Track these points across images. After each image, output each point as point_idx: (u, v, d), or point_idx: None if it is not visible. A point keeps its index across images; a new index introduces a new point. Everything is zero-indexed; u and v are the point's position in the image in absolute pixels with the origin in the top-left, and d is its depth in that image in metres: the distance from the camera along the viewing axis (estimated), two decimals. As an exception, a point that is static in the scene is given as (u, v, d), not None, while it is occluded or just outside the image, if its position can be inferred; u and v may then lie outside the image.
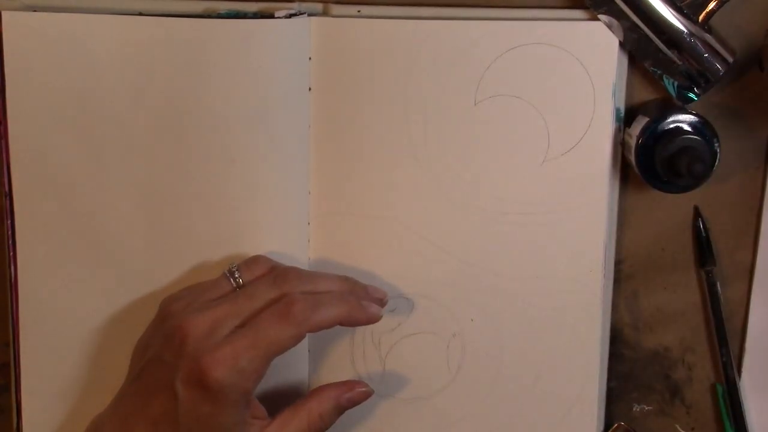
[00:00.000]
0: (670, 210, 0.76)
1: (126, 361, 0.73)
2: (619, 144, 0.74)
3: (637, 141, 0.71)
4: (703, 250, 0.76)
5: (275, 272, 0.71)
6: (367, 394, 0.73)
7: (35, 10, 0.73)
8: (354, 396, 0.72)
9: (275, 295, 0.69)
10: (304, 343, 0.77)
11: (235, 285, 0.71)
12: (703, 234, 0.76)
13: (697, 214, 0.76)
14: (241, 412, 0.67)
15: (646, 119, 0.71)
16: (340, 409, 0.72)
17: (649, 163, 0.71)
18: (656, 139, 0.71)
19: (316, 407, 0.71)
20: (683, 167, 0.69)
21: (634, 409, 0.79)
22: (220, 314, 0.68)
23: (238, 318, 0.68)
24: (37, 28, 0.73)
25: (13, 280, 0.76)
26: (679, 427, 0.79)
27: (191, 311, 0.68)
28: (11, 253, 0.75)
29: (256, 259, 0.73)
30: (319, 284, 0.72)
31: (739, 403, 0.77)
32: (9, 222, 0.75)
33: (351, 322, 0.71)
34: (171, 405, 0.67)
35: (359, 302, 0.72)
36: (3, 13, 0.73)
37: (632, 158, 0.72)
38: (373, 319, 0.72)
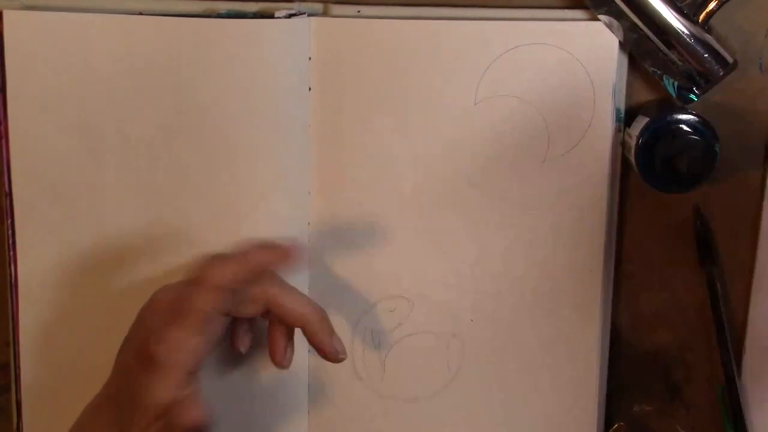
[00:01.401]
0: (670, 210, 0.76)
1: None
2: (619, 144, 0.74)
3: (637, 141, 0.71)
4: (703, 250, 0.76)
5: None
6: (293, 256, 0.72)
7: (35, 10, 0.73)
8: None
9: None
10: (305, 344, 0.77)
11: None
12: (703, 234, 0.76)
13: (697, 214, 0.76)
14: (181, 386, 0.67)
15: (646, 119, 0.71)
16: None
17: (649, 163, 0.71)
18: (656, 139, 0.71)
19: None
20: (683, 167, 0.69)
21: (634, 409, 0.79)
22: (168, 298, 0.69)
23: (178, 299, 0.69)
24: (38, 28, 0.73)
25: (13, 280, 0.76)
26: (679, 427, 0.79)
27: (157, 300, 0.70)
28: (11, 253, 0.75)
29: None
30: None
31: (739, 403, 0.77)
32: (9, 222, 0.75)
33: (268, 266, 0.71)
34: (123, 379, 0.69)
35: (271, 249, 0.71)
36: (4, 12, 0.73)
37: (632, 158, 0.72)
38: (292, 254, 0.71)
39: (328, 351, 0.71)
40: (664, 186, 0.72)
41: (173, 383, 0.66)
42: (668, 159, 0.70)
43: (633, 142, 0.72)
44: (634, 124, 0.73)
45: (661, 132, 0.71)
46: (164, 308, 0.68)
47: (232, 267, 0.69)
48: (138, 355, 0.67)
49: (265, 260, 0.71)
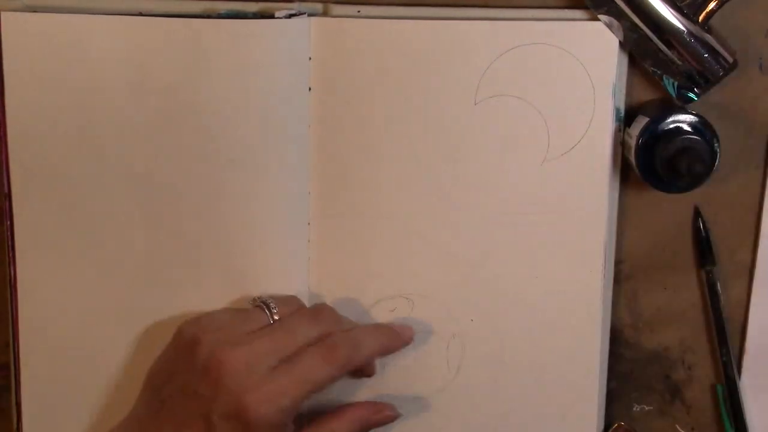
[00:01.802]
0: (670, 210, 0.76)
1: (125, 361, 0.73)
2: (619, 144, 0.74)
3: (637, 141, 0.71)
4: (703, 250, 0.76)
5: (311, 309, 0.74)
6: (393, 419, 0.75)
7: (35, 11, 0.73)
8: (380, 419, 0.74)
9: (315, 333, 0.70)
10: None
11: (271, 319, 0.72)
12: (703, 234, 0.76)
13: (697, 214, 0.76)
14: None
15: (646, 119, 0.71)
16: (365, 429, 0.73)
17: (649, 163, 0.71)
18: (656, 139, 0.71)
19: (343, 427, 0.72)
20: (683, 167, 0.69)
21: (634, 409, 0.79)
22: (259, 349, 0.68)
23: (278, 354, 0.68)
24: (37, 28, 0.73)
25: (13, 280, 0.76)
26: (679, 427, 0.79)
27: (228, 343, 0.68)
28: (11, 254, 0.75)
29: (289, 298, 0.74)
30: (352, 325, 0.75)
31: (739, 403, 0.77)
32: (8, 223, 0.75)
33: (390, 351, 0.75)
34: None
35: (393, 330, 0.75)
36: (2, 13, 0.73)
37: (632, 158, 0.72)
38: (409, 340, 0.76)
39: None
40: (664, 186, 0.72)
41: None
42: (668, 159, 0.70)
43: (633, 142, 0.71)
44: (634, 124, 0.73)
45: (661, 132, 0.71)
46: (250, 361, 0.67)
47: (367, 354, 0.72)
48: (233, 418, 0.66)
49: (390, 348, 0.75)
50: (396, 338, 0.75)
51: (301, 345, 0.69)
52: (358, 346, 0.71)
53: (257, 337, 0.69)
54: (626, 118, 0.74)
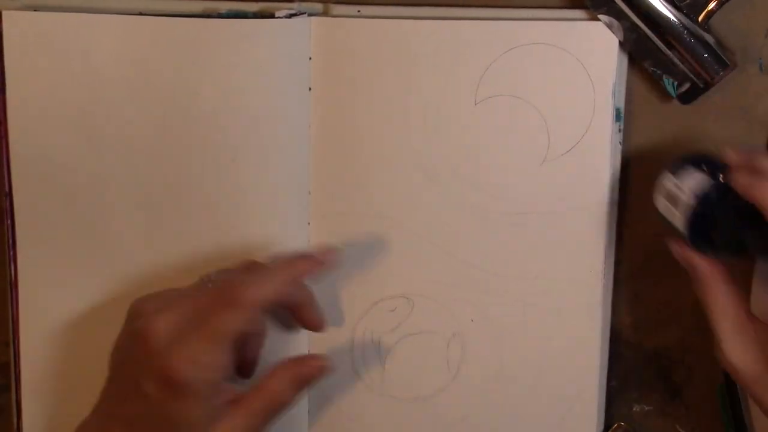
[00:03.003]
0: (670, 210, 0.76)
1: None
2: (619, 144, 0.74)
3: (695, 205, 0.66)
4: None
5: (239, 265, 0.73)
6: (323, 370, 0.71)
7: (35, 10, 0.73)
8: (310, 371, 0.71)
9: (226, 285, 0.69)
10: (305, 344, 0.77)
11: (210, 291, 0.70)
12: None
13: (697, 214, 0.76)
14: (210, 403, 0.67)
15: (704, 176, 0.66)
16: (299, 385, 0.71)
17: (705, 228, 0.66)
18: (721, 209, 0.65)
19: (275, 384, 0.70)
20: (753, 243, 0.65)
21: (634, 409, 0.79)
22: (181, 311, 0.67)
23: (198, 314, 0.67)
24: (38, 28, 0.73)
25: (13, 280, 0.76)
26: (679, 427, 0.79)
27: (158, 311, 0.68)
28: (11, 253, 0.75)
29: (235, 264, 0.73)
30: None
31: (739, 403, 0.77)
32: (9, 222, 0.75)
33: (305, 277, 0.72)
34: (142, 404, 0.66)
35: (305, 257, 0.72)
36: (4, 12, 0.73)
37: (677, 212, 0.67)
38: (328, 264, 0.73)
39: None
40: (715, 251, 0.67)
41: (209, 409, 0.66)
42: (735, 232, 0.66)
43: (684, 198, 0.66)
44: (682, 174, 0.67)
45: (730, 203, 0.65)
46: (176, 324, 0.67)
47: (273, 286, 0.69)
48: (160, 381, 0.65)
49: (302, 272, 0.71)
50: (309, 263, 0.72)
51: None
52: (256, 282, 0.68)
53: (182, 302, 0.68)
54: (626, 125, 0.74)
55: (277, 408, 0.69)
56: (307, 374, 0.71)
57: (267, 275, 0.69)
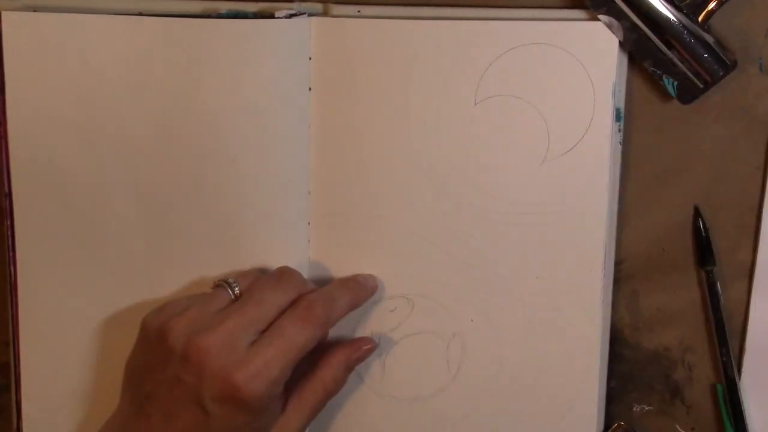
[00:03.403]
0: (670, 210, 0.76)
1: (125, 361, 0.72)
2: (619, 143, 0.74)
3: None
4: (703, 250, 0.76)
5: (272, 275, 0.73)
6: (372, 350, 0.75)
7: (35, 10, 0.73)
8: (361, 355, 0.75)
9: (284, 297, 0.70)
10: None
11: (233, 296, 0.72)
12: (703, 234, 0.76)
13: (697, 214, 0.76)
14: (273, 412, 0.69)
15: None
16: (350, 369, 0.74)
17: None
18: None
19: (329, 374, 0.73)
20: None
21: (634, 409, 0.79)
22: (233, 326, 0.68)
23: (254, 326, 0.68)
24: (37, 29, 0.73)
25: (13, 280, 0.76)
26: (679, 427, 0.79)
27: (201, 328, 0.68)
28: (11, 253, 0.75)
29: (247, 272, 0.74)
30: (315, 286, 0.74)
31: (739, 403, 0.77)
32: (9, 222, 0.75)
33: (360, 303, 0.75)
34: (200, 421, 0.67)
35: (359, 283, 0.75)
36: (3, 13, 0.73)
37: None
38: (374, 289, 0.76)
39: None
40: None
41: (271, 415, 0.69)
42: None
43: None
44: None
45: None
46: (226, 342, 0.67)
47: (343, 310, 0.72)
48: (225, 401, 0.66)
49: (361, 299, 0.75)
50: (363, 290, 0.75)
51: (273, 313, 0.70)
52: (332, 301, 0.71)
53: (227, 316, 0.69)
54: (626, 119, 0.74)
55: (331, 395, 0.73)
56: (360, 358, 0.74)
57: (339, 292, 0.73)
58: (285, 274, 0.73)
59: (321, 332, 0.70)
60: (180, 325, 0.69)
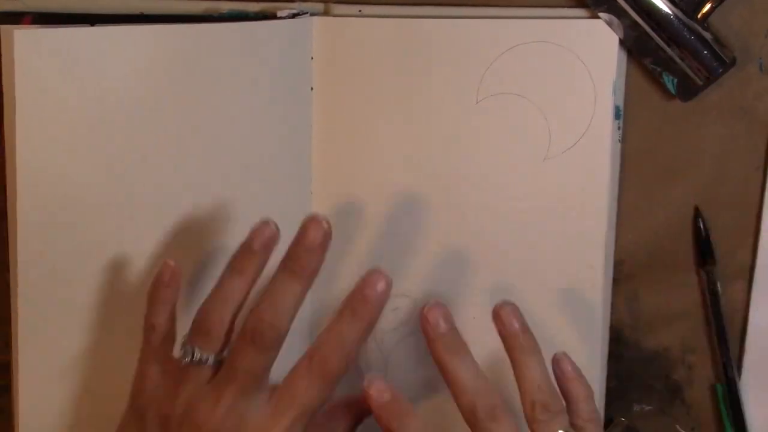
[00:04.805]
0: (670, 210, 0.76)
1: (125, 362, 0.72)
2: (618, 141, 0.74)
3: None
4: (703, 250, 0.76)
5: (242, 338, 0.66)
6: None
7: (36, 11, 0.73)
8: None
9: (264, 358, 0.66)
10: (306, 342, 0.77)
11: (207, 365, 0.67)
12: (703, 234, 0.76)
13: (697, 214, 0.76)
14: None
15: None
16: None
17: None
18: None
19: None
20: None
21: (634, 408, 0.79)
22: (229, 401, 0.65)
23: (250, 393, 0.65)
24: (47, 43, 0.72)
25: (11, 280, 0.76)
26: (679, 427, 0.79)
27: (197, 408, 0.66)
28: (11, 254, 0.75)
29: (199, 328, 0.68)
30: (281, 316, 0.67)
31: (739, 403, 0.77)
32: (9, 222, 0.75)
33: (373, 326, 0.67)
34: None
35: (365, 300, 0.66)
36: (15, 32, 0.71)
37: None
38: (384, 296, 0.67)
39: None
40: None
41: None
42: None
43: None
44: None
45: None
46: (233, 424, 0.65)
47: (357, 344, 0.66)
48: None
49: (374, 321, 0.67)
50: (373, 308, 0.66)
51: (264, 373, 0.66)
52: (344, 346, 0.65)
53: (220, 390, 0.65)
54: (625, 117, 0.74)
55: None
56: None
57: (350, 333, 0.66)
58: (255, 329, 0.66)
59: (336, 384, 0.66)
60: (177, 412, 0.66)
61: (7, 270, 0.75)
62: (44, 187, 0.73)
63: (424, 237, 0.76)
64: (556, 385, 0.69)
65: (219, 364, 0.67)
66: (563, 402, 0.69)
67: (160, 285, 0.70)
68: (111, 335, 0.77)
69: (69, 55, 0.72)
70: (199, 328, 0.68)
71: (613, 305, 0.77)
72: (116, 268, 0.76)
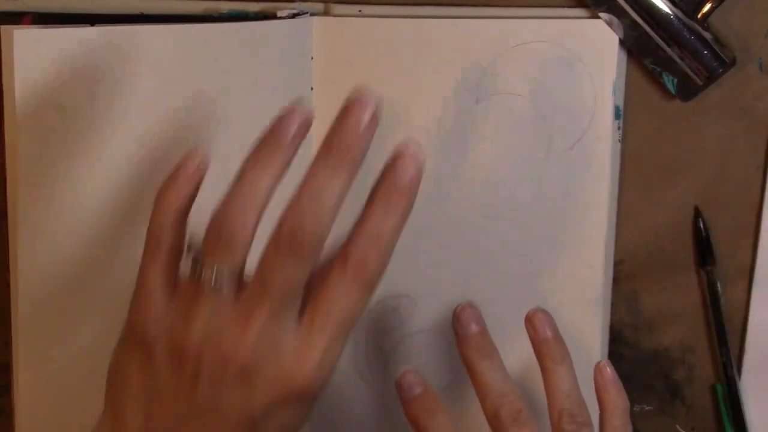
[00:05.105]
0: (670, 210, 0.76)
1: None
2: (618, 141, 0.74)
3: None
4: (703, 250, 0.76)
5: (280, 244, 0.56)
6: None
7: (36, 11, 0.73)
8: None
9: (303, 270, 0.56)
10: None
11: (220, 285, 0.57)
12: (703, 234, 0.76)
13: (697, 214, 0.76)
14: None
15: None
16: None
17: None
18: None
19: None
20: None
21: (634, 408, 0.79)
22: (260, 323, 0.55)
23: (284, 313, 0.56)
24: (47, 43, 0.72)
25: (11, 280, 0.76)
26: (679, 427, 0.79)
27: (220, 336, 0.56)
28: (11, 254, 0.75)
29: (218, 236, 0.58)
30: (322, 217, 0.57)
31: (739, 403, 0.77)
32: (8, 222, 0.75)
33: (409, 213, 0.58)
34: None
35: (396, 188, 0.58)
36: (15, 32, 0.72)
37: None
38: (418, 173, 0.58)
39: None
40: None
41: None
42: None
43: None
44: None
45: None
46: (264, 348, 0.55)
47: (395, 238, 0.57)
48: (286, 401, 0.56)
49: (412, 203, 0.58)
50: (409, 192, 0.58)
51: (300, 288, 0.56)
52: (382, 241, 0.57)
53: (248, 312, 0.55)
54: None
55: None
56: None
57: (389, 231, 0.57)
58: (296, 233, 0.56)
59: (374, 287, 0.57)
60: (194, 338, 0.56)
61: (7, 270, 0.75)
62: (44, 187, 0.73)
63: (424, 237, 0.76)
64: (582, 397, 0.70)
65: (239, 281, 0.57)
66: (589, 414, 0.69)
67: (179, 179, 0.60)
68: (111, 335, 0.77)
69: (69, 55, 0.72)
70: (217, 237, 0.57)
71: (613, 305, 0.77)
72: (116, 268, 0.76)
